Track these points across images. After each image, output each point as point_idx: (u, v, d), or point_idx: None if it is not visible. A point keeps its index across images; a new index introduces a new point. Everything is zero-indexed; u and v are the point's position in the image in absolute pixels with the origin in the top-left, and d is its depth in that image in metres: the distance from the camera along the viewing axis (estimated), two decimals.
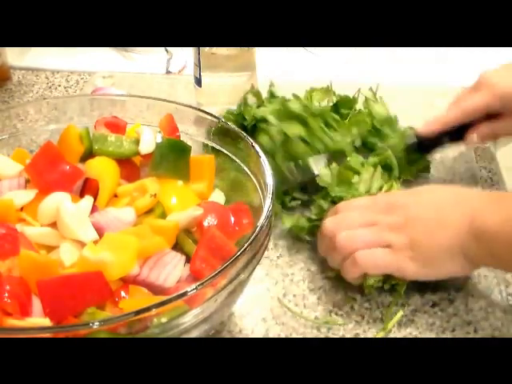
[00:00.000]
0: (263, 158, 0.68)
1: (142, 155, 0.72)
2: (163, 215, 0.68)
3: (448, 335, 0.68)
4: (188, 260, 0.64)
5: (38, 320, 0.56)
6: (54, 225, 0.66)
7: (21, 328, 0.54)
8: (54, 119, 0.78)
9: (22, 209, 0.68)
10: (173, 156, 0.71)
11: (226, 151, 0.74)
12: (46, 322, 0.56)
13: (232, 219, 0.69)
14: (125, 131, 0.75)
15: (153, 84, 1.12)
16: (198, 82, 0.98)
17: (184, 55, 1.16)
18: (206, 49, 0.95)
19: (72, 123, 0.74)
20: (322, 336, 0.68)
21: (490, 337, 0.67)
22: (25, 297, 0.58)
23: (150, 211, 0.68)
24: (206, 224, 0.67)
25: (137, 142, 0.72)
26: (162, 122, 0.75)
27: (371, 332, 0.68)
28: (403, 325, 0.69)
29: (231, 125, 0.74)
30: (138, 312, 0.51)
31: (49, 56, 1.20)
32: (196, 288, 0.53)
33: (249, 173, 0.71)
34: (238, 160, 0.73)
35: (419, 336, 0.68)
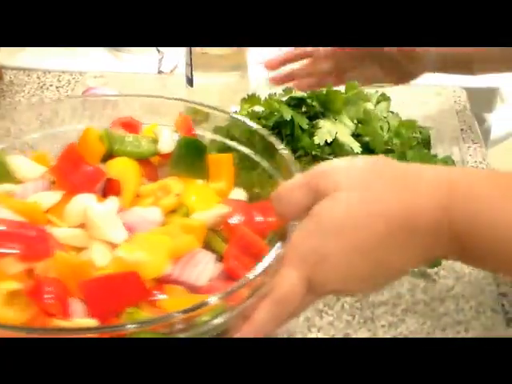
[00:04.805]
0: (285, 153, 0.67)
1: (160, 155, 0.72)
2: (187, 215, 0.68)
3: (439, 335, 0.68)
4: (217, 258, 0.64)
5: (84, 321, 0.56)
6: (80, 226, 0.65)
7: (71, 328, 0.54)
8: (47, 121, 0.77)
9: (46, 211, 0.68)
10: (192, 155, 0.72)
11: (242, 148, 0.74)
12: (92, 322, 0.56)
13: (257, 217, 0.68)
14: (140, 131, 0.76)
15: (144, 84, 1.12)
16: (190, 81, 0.98)
17: (176, 55, 1.16)
18: (198, 48, 0.95)
19: (90, 125, 0.74)
20: (313, 336, 0.68)
21: (481, 337, 0.68)
22: (63, 298, 0.58)
23: (172, 211, 0.68)
24: (233, 222, 0.67)
25: (155, 141, 0.72)
26: (177, 121, 0.75)
27: (362, 332, 0.68)
28: (394, 324, 0.69)
29: (247, 120, 0.74)
30: (186, 311, 0.52)
31: (40, 56, 1.19)
32: (241, 286, 0.54)
33: (271, 169, 0.71)
34: (256, 157, 0.73)
35: (410, 336, 0.68)
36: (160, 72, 1.17)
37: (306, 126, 0.83)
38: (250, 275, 0.54)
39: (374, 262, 0.54)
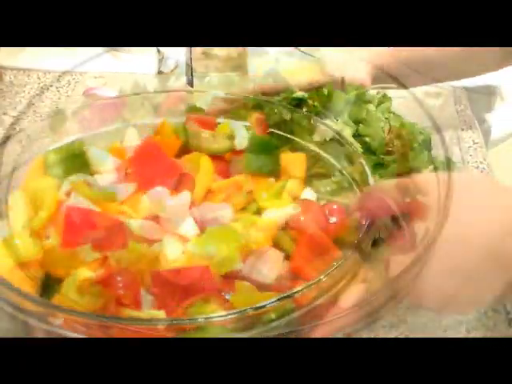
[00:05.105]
0: (358, 153, 0.68)
1: (232, 151, 0.73)
2: (258, 212, 0.68)
3: (440, 335, 0.68)
4: (285, 257, 0.64)
5: (154, 312, 0.57)
6: (153, 218, 0.66)
7: (142, 319, 0.55)
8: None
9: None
10: (265, 153, 0.72)
11: (312, 146, 0.75)
12: (161, 314, 0.56)
13: (326, 217, 0.68)
14: (215, 128, 0.77)
15: (144, 84, 1.11)
16: (190, 82, 0.98)
17: (176, 55, 1.16)
18: (198, 49, 0.95)
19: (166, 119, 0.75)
20: None
21: (482, 337, 0.67)
22: (135, 288, 0.58)
23: (243, 208, 0.69)
24: (303, 222, 0.67)
25: (230, 137, 0.73)
26: (252, 119, 0.76)
27: (364, 332, 0.68)
28: (395, 325, 0.69)
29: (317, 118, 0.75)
30: (256, 308, 0.52)
31: (40, 56, 1.19)
32: (311, 286, 0.54)
33: (342, 170, 0.71)
34: (328, 156, 0.73)
35: (411, 336, 0.67)
36: (160, 72, 1.17)
37: None
38: (321, 277, 0.54)
39: (463, 281, 0.54)
